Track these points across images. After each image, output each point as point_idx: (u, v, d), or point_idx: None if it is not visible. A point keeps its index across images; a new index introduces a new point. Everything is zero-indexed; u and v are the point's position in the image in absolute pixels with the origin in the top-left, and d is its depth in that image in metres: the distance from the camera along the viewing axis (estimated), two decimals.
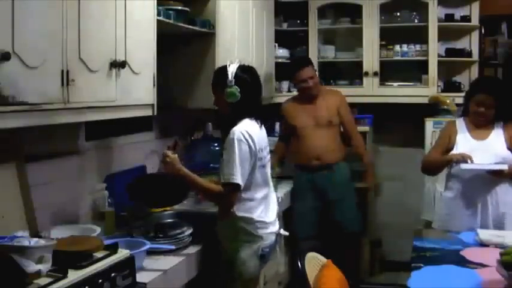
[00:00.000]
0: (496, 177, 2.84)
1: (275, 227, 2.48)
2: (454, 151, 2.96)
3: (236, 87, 2.34)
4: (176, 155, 2.33)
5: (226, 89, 2.34)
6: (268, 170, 2.50)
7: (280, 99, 4.54)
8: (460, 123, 3.06)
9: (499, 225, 2.85)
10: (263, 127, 2.50)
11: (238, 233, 2.36)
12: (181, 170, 2.31)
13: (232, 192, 2.29)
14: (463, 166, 2.84)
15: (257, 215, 2.38)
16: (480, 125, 2.98)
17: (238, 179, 2.25)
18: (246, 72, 2.42)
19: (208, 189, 2.34)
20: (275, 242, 2.48)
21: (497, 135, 2.95)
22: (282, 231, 2.55)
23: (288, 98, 4.04)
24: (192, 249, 2.38)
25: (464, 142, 2.96)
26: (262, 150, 2.40)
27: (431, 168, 3.17)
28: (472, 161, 2.83)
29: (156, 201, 2.51)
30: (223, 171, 2.29)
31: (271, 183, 2.54)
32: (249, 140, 2.30)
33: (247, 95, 2.37)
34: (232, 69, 2.36)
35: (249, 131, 2.32)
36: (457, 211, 2.94)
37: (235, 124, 2.34)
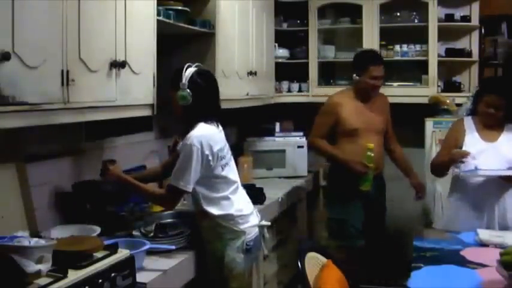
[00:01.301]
0: (508, 183, 2.80)
1: (256, 219, 2.53)
2: None
3: (188, 91, 2.33)
4: (116, 165, 2.39)
5: (178, 92, 2.34)
6: (233, 166, 2.51)
7: (280, 99, 4.55)
8: (469, 122, 3.00)
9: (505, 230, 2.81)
10: (220, 128, 2.49)
11: (221, 232, 2.40)
12: (121, 177, 2.37)
13: (177, 196, 2.35)
14: (480, 172, 2.78)
15: (235, 209, 2.41)
16: (490, 125, 2.94)
17: (189, 186, 2.28)
18: (201, 76, 2.40)
19: (151, 195, 2.43)
20: (259, 234, 2.52)
21: (507, 138, 2.91)
22: (264, 222, 2.59)
23: (337, 93, 3.66)
24: (192, 250, 2.38)
25: (473, 143, 2.90)
26: (222, 149, 2.41)
27: (438, 170, 3.12)
28: (468, 158, 2.80)
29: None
30: (175, 174, 2.29)
31: (238, 178, 2.55)
32: (204, 146, 2.29)
33: (200, 99, 2.36)
34: (188, 73, 2.35)
35: (205, 135, 2.32)
36: (463, 214, 2.88)
37: (191, 127, 2.35)
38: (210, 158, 2.31)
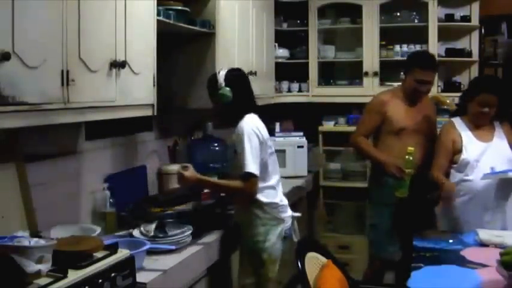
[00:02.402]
0: None
1: (290, 211, 2.71)
2: (464, 155, 2.87)
3: (227, 88, 2.53)
4: (191, 168, 2.50)
5: (219, 91, 2.53)
6: (276, 157, 2.69)
7: (280, 99, 4.55)
8: (459, 124, 2.99)
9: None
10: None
11: (266, 218, 2.57)
12: (200, 179, 2.51)
13: (251, 183, 2.48)
14: (485, 176, 2.77)
15: (279, 199, 2.63)
16: (481, 125, 2.94)
17: (252, 168, 2.44)
18: (234, 73, 2.62)
19: (230, 188, 2.57)
20: (292, 224, 2.69)
21: (500, 136, 2.92)
22: (295, 214, 2.74)
23: (385, 91, 3.52)
24: (192, 249, 2.38)
25: (472, 145, 2.89)
26: (268, 138, 2.61)
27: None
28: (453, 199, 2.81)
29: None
30: (239, 165, 2.47)
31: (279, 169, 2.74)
32: (257, 132, 2.51)
33: (239, 94, 2.56)
34: (221, 74, 2.57)
35: (254, 122, 2.55)
36: (470, 216, 2.83)
37: (236, 123, 2.54)
38: (262, 143, 2.53)
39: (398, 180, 3.09)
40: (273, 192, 2.61)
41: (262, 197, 2.55)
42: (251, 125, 2.52)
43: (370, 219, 3.50)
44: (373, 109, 3.37)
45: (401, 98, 3.32)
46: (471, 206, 2.84)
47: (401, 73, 3.36)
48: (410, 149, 3.03)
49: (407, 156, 3.01)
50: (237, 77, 2.62)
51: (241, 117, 2.55)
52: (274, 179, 2.63)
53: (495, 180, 2.81)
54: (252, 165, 2.44)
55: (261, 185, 2.53)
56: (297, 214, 2.76)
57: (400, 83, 4.29)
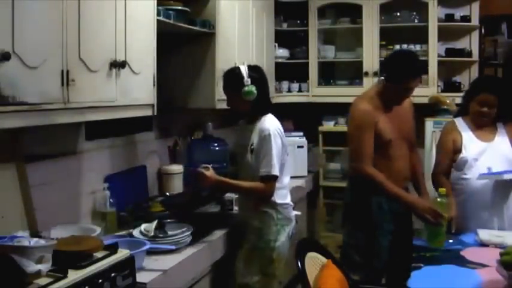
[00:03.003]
0: None
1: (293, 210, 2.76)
2: (463, 154, 2.87)
3: (252, 85, 2.55)
4: (211, 169, 2.54)
5: (244, 88, 2.54)
6: (289, 158, 2.72)
7: (280, 99, 4.55)
8: (460, 124, 2.98)
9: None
10: None
11: (278, 218, 2.61)
12: (220, 180, 2.54)
13: (272, 184, 2.54)
14: (481, 176, 2.76)
15: (289, 199, 2.70)
16: (482, 125, 2.94)
17: (277, 171, 2.51)
18: (256, 70, 2.65)
19: (250, 189, 2.59)
20: (296, 223, 2.76)
21: (502, 136, 2.92)
22: (297, 212, 2.81)
23: (360, 100, 2.89)
24: (192, 249, 2.38)
25: (472, 144, 2.88)
26: (286, 140, 2.67)
27: (438, 186, 2.87)
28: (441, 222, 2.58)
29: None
30: (264, 164, 2.51)
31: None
32: (281, 134, 2.58)
33: (262, 91, 2.60)
34: (243, 70, 2.58)
35: (277, 125, 2.61)
36: (470, 216, 2.80)
37: (258, 120, 2.59)
38: (283, 146, 2.59)
39: (434, 227, 2.59)
40: (285, 193, 2.68)
41: (277, 197, 2.60)
42: (275, 126, 2.58)
43: (347, 239, 2.97)
44: (365, 124, 2.78)
45: (378, 106, 2.82)
46: (468, 205, 2.84)
47: (382, 77, 2.89)
48: (442, 189, 2.64)
49: (439, 199, 2.62)
50: (261, 75, 2.66)
51: (261, 116, 2.60)
52: (286, 180, 2.69)
53: (492, 181, 2.81)
54: (276, 168, 2.50)
55: (277, 185, 2.58)
56: (298, 213, 2.82)
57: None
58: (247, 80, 2.55)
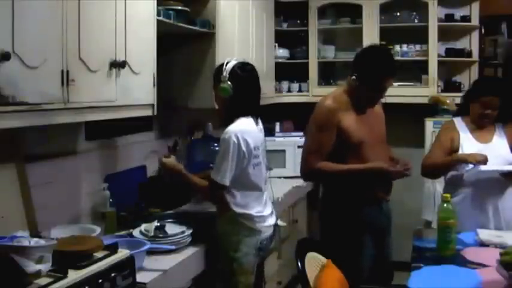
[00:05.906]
0: (510, 179, 2.79)
1: (272, 220, 2.56)
2: (459, 152, 2.87)
3: (229, 83, 2.36)
4: (173, 157, 2.46)
5: (220, 84, 2.37)
6: (263, 168, 2.51)
7: (280, 99, 4.55)
8: (460, 124, 2.98)
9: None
10: (260, 125, 2.52)
11: (238, 228, 2.42)
12: (176, 169, 2.44)
13: (215, 190, 2.37)
14: (482, 168, 2.73)
15: (255, 210, 2.44)
16: (482, 126, 2.94)
17: (223, 179, 2.32)
18: (242, 68, 2.42)
19: (196, 186, 2.46)
20: (273, 233, 2.56)
21: (500, 138, 2.92)
22: (280, 222, 2.62)
23: (325, 97, 2.74)
24: (192, 249, 2.38)
25: (470, 145, 2.88)
26: (257, 148, 2.43)
27: (435, 171, 3.02)
28: (486, 163, 2.70)
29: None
30: (214, 169, 2.36)
31: (267, 179, 2.58)
32: (241, 141, 2.32)
33: (241, 91, 2.39)
34: (228, 66, 2.39)
35: (242, 130, 2.36)
36: (466, 214, 2.76)
37: (231, 121, 2.38)
38: (246, 154, 2.35)
39: (443, 236, 2.43)
40: (249, 202, 2.42)
41: (235, 207, 2.40)
42: (239, 130, 2.33)
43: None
44: (324, 123, 2.64)
45: (347, 104, 2.67)
46: (464, 205, 2.84)
47: (353, 77, 2.67)
48: (447, 195, 2.49)
49: (445, 205, 2.45)
50: (249, 74, 2.43)
51: (235, 118, 2.39)
52: (255, 190, 2.45)
53: (494, 174, 2.80)
54: (224, 175, 2.30)
55: (235, 195, 2.39)
56: (282, 224, 2.64)
57: (400, 83, 4.27)
58: (225, 76, 2.35)
